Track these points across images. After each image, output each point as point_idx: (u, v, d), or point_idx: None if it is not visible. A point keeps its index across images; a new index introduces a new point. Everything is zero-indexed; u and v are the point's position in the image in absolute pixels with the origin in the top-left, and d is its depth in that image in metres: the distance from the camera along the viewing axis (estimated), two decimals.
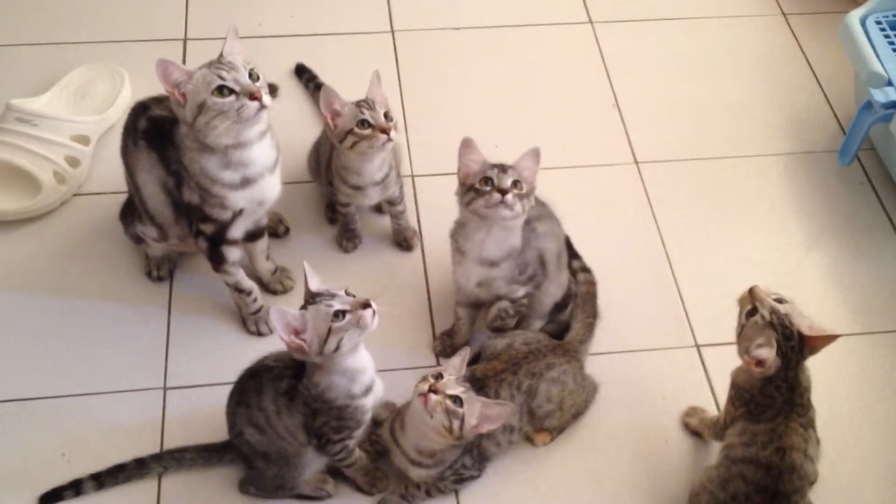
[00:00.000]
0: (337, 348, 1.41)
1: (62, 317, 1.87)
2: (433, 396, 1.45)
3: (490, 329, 1.80)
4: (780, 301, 1.49)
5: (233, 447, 1.62)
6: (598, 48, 2.47)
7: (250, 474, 1.62)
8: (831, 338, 1.46)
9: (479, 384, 1.59)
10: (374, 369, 1.53)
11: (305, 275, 1.47)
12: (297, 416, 1.50)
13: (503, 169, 1.61)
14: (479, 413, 1.48)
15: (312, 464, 1.59)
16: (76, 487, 1.61)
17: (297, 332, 1.41)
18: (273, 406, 1.51)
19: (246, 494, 1.63)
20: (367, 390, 1.51)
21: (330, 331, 1.40)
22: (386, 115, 1.75)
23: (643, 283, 1.99)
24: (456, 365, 1.52)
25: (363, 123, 1.74)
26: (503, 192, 1.57)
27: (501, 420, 1.50)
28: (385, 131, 1.74)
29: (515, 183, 1.59)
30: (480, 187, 1.59)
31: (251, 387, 1.54)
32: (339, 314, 1.40)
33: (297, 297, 1.87)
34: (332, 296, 1.43)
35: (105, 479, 1.61)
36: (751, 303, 1.50)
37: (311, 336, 1.41)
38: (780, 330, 1.45)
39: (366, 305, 1.42)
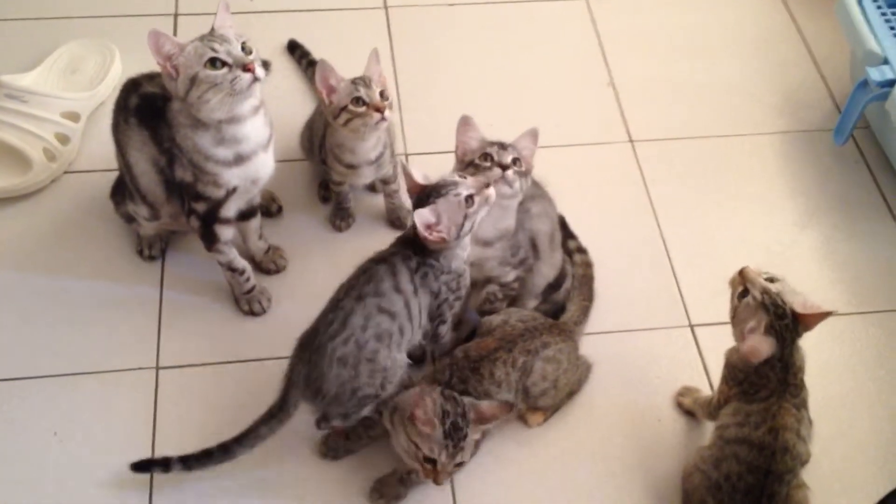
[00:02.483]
0: (471, 229, 1.53)
1: (53, 296, 1.85)
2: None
3: (479, 312, 1.80)
4: (771, 280, 1.49)
5: (289, 399, 1.56)
6: (593, 25, 2.45)
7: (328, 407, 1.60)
8: (824, 315, 1.46)
9: (473, 364, 1.58)
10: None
11: (409, 172, 1.55)
12: (427, 293, 1.58)
13: (503, 146, 1.60)
14: (476, 428, 1.50)
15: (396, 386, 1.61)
16: (165, 465, 1.57)
17: (431, 227, 1.49)
18: (411, 286, 1.55)
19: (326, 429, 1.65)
20: (469, 257, 1.63)
21: (465, 216, 1.50)
22: (382, 94, 1.74)
23: (638, 263, 1.98)
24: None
25: (358, 101, 1.72)
26: (504, 167, 1.56)
27: (497, 417, 1.51)
28: (380, 110, 1.72)
29: (515, 160, 1.58)
30: (480, 163, 1.58)
31: (384, 272, 1.54)
32: (469, 199, 1.50)
33: (290, 276, 1.89)
34: (455, 184, 1.52)
35: (193, 463, 1.57)
36: (742, 284, 1.50)
37: (447, 226, 1.50)
38: (773, 309, 1.45)
39: (487, 185, 1.53)
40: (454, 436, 1.46)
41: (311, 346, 1.54)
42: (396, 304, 1.53)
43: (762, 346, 1.43)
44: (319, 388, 1.54)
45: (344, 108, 1.73)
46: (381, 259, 1.57)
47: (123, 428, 1.67)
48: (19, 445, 1.66)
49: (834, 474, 1.68)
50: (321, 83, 1.74)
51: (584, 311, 1.83)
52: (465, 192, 1.50)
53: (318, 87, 1.75)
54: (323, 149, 1.89)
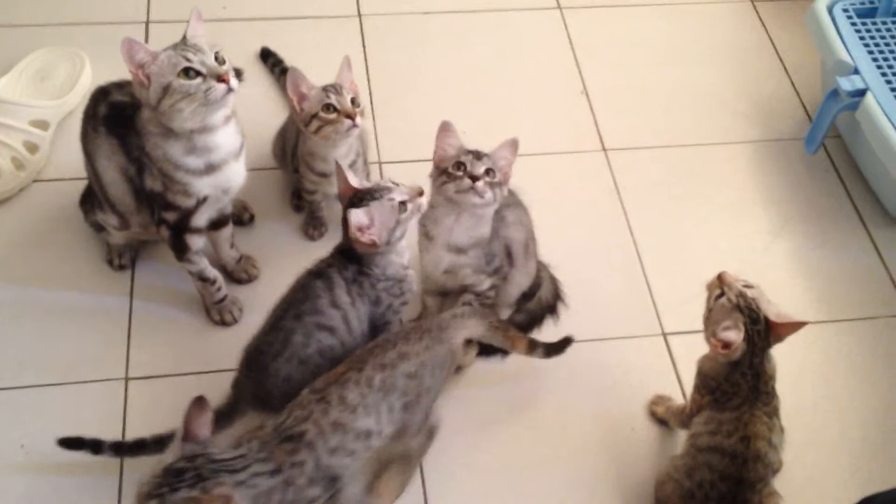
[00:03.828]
0: (401, 236, 1.55)
1: (20, 306, 1.83)
2: None
3: None
4: (747, 287, 1.50)
5: (236, 408, 1.58)
6: (566, 34, 2.45)
7: None
8: (798, 325, 1.47)
9: (319, 395, 1.39)
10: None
11: (344, 173, 1.56)
12: (366, 303, 1.58)
13: (478, 156, 1.60)
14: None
15: None
16: (96, 447, 1.57)
17: (363, 229, 1.50)
18: (349, 298, 1.55)
19: None
20: (409, 262, 1.64)
21: (398, 222, 1.53)
22: (353, 101, 1.73)
23: (610, 271, 1.99)
24: None
25: (329, 108, 1.72)
26: (474, 178, 1.56)
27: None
28: (350, 116, 1.72)
29: (488, 171, 1.58)
30: (453, 171, 1.58)
31: (321, 287, 1.54)
32: (402, 205, 1.52)
33: (262, 285, 1.88)
34: (389, 188, 1.54)
35: (125, 450, 1.58)
36: (719, 287, 1.51)
37: (379, 230, 1.52)
38: (748, 313, 1.46)
39: (421, 193, 1.56)
40: None
41: (255, 366, 1.55)
42: (335, 319, 1.54)
43: (735, 337, 1.44)
44: (268, 403, 1.55)
45: (315, 116, 1.72)
46: (317, 273, 1.57)
47: None
48: None
49: (805, 482, 1.69)
50: (292, 90, 1.74)
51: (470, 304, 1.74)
52: (398, 198, 1.53)
53: (290, 95, 1.74)
54: (295, 157, 1.88)
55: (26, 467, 1.61)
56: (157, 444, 1.56)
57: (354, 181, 1.57)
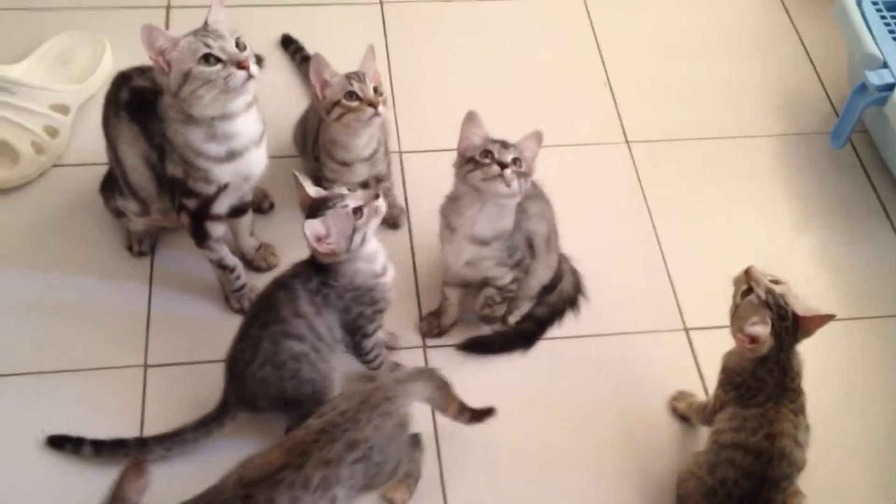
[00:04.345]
0: (362, 241, 1.50)
1: (40, 292, 1.82)
2: None
3: (479, 317, 1.79)
4: (775, 282, 1.48)
5: (227, 411, 1.59)
6: (590, 24, 2.43)
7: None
8: (826, 318, 1.45)
9: (244, 492, 1.26)
10: (383, 250, 1.60)
11: (301, 183, 1.52)
12: (333, 312, 1.55)
13: (504, 145, 1.58)
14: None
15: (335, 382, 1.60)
16: (77, 445, 1.59)
17: (322, 239, 1.47)
18: (312, 307, 1.53)
19: None
20: (385, 268, 1.59)
21: (354, 228, 1.48)
22: (375, 90, 1.72)
23: (632, 265, 1.97)
24: None
25: (351, 95, 1.70)
26: (503, 165, 1.54)
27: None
28: (373, 105, 1.70)
29: (515, 160, 1.56)
30: (480, 159, 1.56)
31: (283, 299, 1.53)
32: (358, 211, 1.48)
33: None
34: (342, 196, 1.50)
35: (104, 449, 1.59)
36: (746, 283, 1.49)
37: (336, 238, 1.48)
38: (776, 310, 1.45)
39: (376, 196, 1.51)
40: None
41: (234, 373, 1.57)
42: (300, 327, 1.53)
43: (762, 331, 1.42)
44: (254, 405, 1.58)
45: (337, 103, 1.71)
46: (281, 283, 1.56)
47: (111, 425, 1.63)
48: (6, 441, 1.63)
49: (829, 481, 1.67)
50: (315, 77, 1.72)
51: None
52: (352, 204, 1.48)
53: (312, 82, 1.73)
54: (316, 146, 1.86)
55: (46, 452, 1.61)
56: (139, 444, 1.59)
57: (311, 190, 1.53)
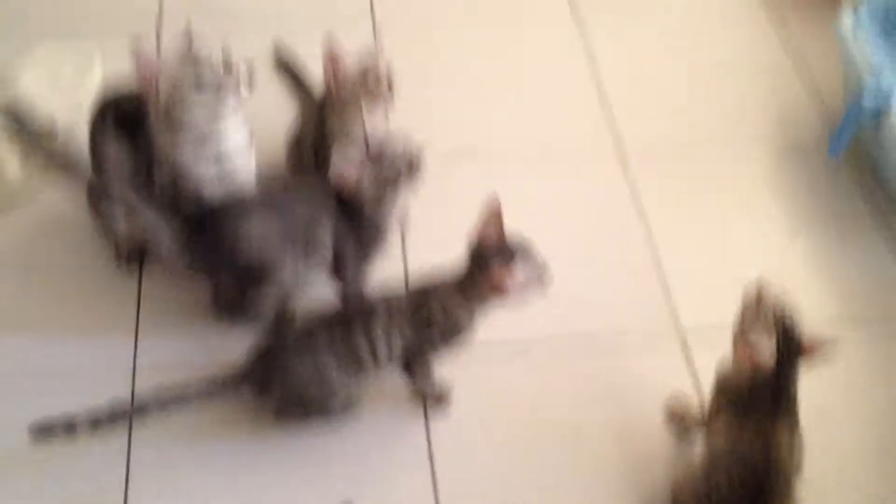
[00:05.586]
0: None
1: (23, 308, 1.81)
2: None
3: None
4: (781, 302, 1.48)
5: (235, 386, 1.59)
6: (583, 37, 2.44)
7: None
8: (828, 345, 1.46)
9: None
10: None
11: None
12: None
13: None
14: None
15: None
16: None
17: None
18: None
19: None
20: None
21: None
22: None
23: (627, 270, 1.97)
24: None
25: (365, 73, 1.76)
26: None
27: None
28: (389, 85, 1.76)
29: None
30: None
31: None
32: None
33: None
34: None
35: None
36: (757, 300, 1.49)
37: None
38: (781, 331, 1.44)
39: None
40: None
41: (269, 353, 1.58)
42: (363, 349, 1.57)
43: (763, 347, 1.42)
44: (267, 388, 1.59)
45: (353, 83, 1.76)
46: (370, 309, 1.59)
47: (96, 443, 1.60)
48: None
49: (823, 489, 1.66)
50: (326, 57, 1.76)
51: None
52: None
53: (324, 62, 1.76)
54: (319, 154, 1.84)
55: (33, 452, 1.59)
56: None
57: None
